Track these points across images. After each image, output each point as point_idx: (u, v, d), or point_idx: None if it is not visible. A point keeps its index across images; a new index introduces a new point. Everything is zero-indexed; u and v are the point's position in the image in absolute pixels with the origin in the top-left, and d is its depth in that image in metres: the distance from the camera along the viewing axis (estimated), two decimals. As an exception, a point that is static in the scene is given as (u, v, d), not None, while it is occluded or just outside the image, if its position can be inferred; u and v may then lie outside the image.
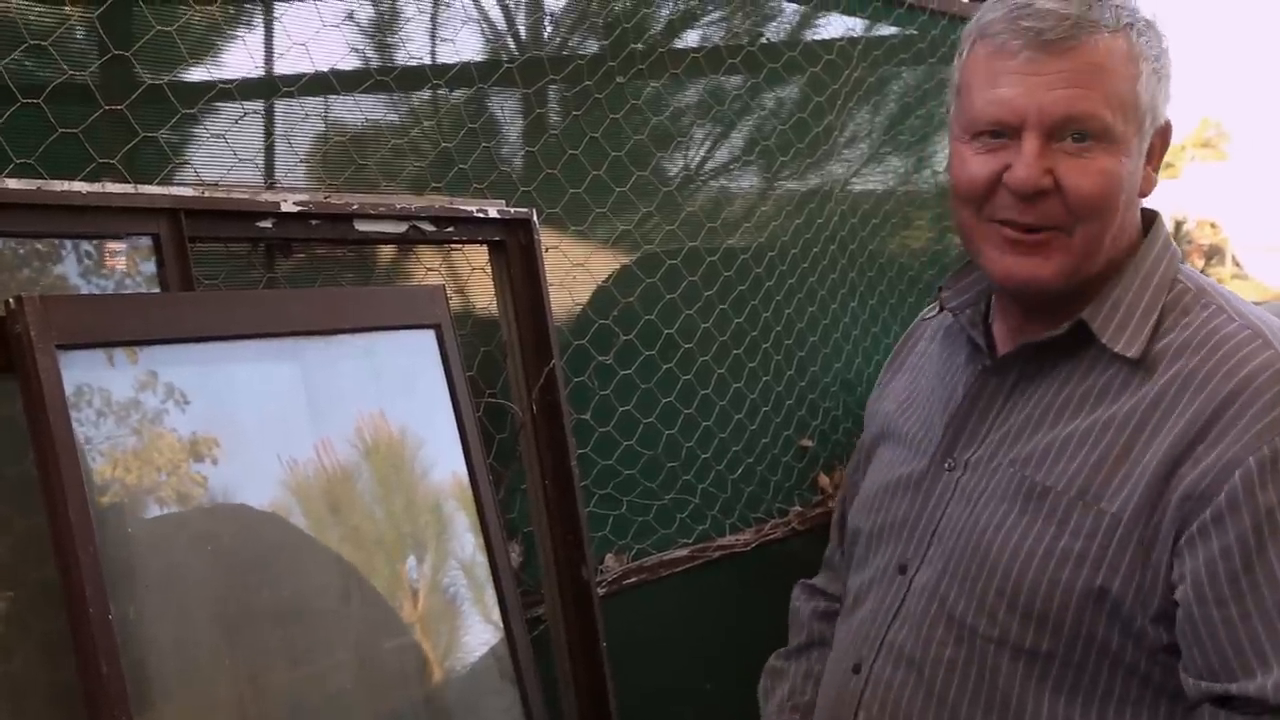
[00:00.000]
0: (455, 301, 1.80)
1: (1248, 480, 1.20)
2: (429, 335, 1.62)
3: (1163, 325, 1.34)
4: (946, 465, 1.45)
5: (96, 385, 1.24)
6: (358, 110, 1.71)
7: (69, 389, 1.19)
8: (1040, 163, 1.29)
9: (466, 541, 1.61)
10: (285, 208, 1.52)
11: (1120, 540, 1.27)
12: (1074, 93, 1.27)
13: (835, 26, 2.53)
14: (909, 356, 1.68)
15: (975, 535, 1.37)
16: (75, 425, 1.19)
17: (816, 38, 2.49)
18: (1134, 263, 1.38)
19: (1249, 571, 1.20)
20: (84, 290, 1.36)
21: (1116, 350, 1.33)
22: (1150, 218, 1.44)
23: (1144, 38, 1.31)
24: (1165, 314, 1.35)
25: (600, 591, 1.91)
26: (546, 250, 1.86)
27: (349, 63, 1.69)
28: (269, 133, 1.61)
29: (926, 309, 1.72)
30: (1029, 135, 1.29)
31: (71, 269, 1.36)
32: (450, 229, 1.73)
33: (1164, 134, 1.38)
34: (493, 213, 1.77)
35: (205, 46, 1.54)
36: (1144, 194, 1.38)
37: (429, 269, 1.78)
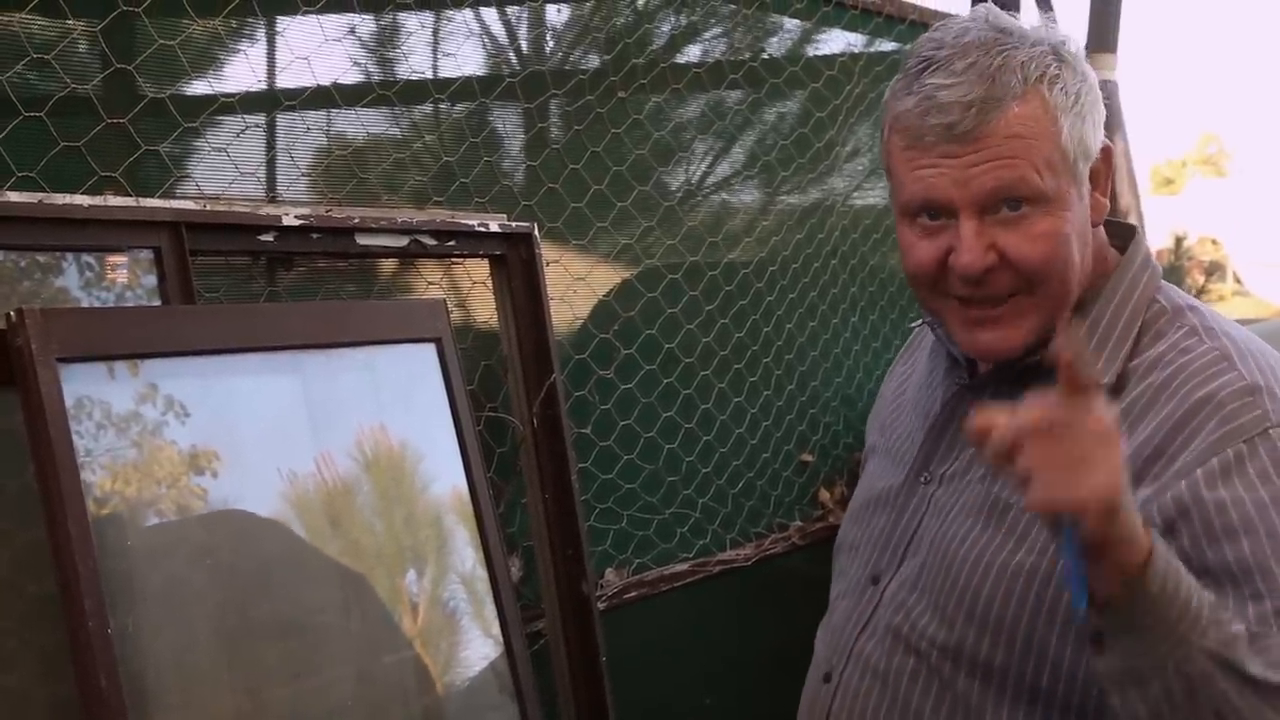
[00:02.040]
0: (456, 315, 1.80)
1: (1194, 488, 1.20)
2: (429, 349, 1.62)
3: (1137, 346, 1.34)
4: (922, 479, 1.46)
5: (97, 398, 1.24)
6: (359, 124, 1.71)
7: (69, 401, 1.19)
8: (980, 242, 1.28)
9: (466, 555, 1.61)
10: (287, 221, 1.52)
11: None
12: (997, 166, 1.26)
13: (836, 42, 2.54)
14: (902, 366, 1.69)
15: (943, 547, 1.39)
16: (75, 438, 1.19)
17: (817, 53, 2.49)
18: (1109, 286, 1.37)
19: (1205, 571, 1.19)
20: (86, 302, 1.36)
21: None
22: (1128, 234, 1.44)
23: (1058, 86, 1.28)
24: (1141, 335, 1.34)
25: (600, 606, 1.90)
26: (547, 264, 1.86)
27: (351, 77, 1.69)
28: (271, 146, 1.61)
29: (911, 319, 1.72)
30: (964, 218, 1.28)
31: (73, 281, 1.36)
32: (451, 243, 1.73)
33: (1105, 158, 1.36)
34: (494, 227, 1.77)
35: (207, 60, 1.55)
36: (1095, 223, 1.37)
37: (430, 282, 1.79)
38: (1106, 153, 1.36)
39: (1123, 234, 1.43)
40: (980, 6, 1.36)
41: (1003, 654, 1.31)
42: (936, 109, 1.26)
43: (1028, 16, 3.03)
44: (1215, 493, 1.20)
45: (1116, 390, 1.31)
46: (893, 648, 1.41)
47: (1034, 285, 1.30)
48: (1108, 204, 1.38)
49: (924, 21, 2.69)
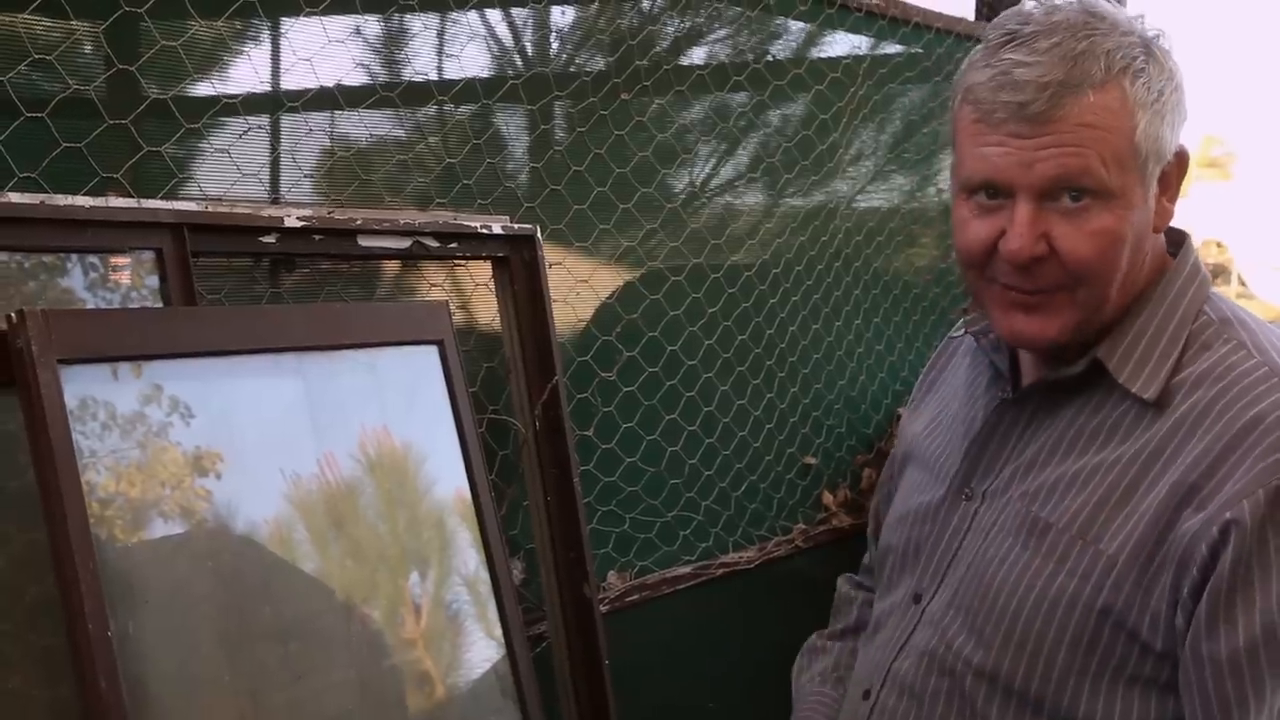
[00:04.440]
0: (458, 317, 1.80)
1: (1241, 526, 1.17)
2: (432, 351, 1.61)
3: (1182, 360, 1.30)
4: (964, 495, 1.43)
5: (101, 398, 1.23)
6: (363, 125, 1.71)
7: (73, 402, 1.19)
8: (1033, 230, 1.25)
9: (470, 557, 1.60)
10: (289, 223, 1.52)
11: (1115, 583, 1.24)
12: (1064, 153, 1.23)
13: (841, 44, 2.53)
14: (940, 375, 1.66)
15: (981, 568, 1.36)
16: (79, 438, 1.19)
17: (822, 55, 2.49)
18: (1157, 293, 1.34)
19: (1239, 614, 1.18)
20: (91, 302, 1.36)
21: (1133, 391, 1.29)
22: (1179, 239, 1.40)
23: (1141, 79, 1.25)
24: (1186, 348, 1.31)
25: (603, 609, 1.90)
26: (550, 266, 1.85)
27: (355, 78, 1.69)
28: (274, 148, 1.60)
29: (955, 327, 1.70)
30: (1021, 201, 1.26)
31: (78, 281, 1.36)
32: (454, 245, 1.73)
33: (1179, 162, 1.32)
34: (496, 229, 1.77)
35: (211, 61, 1.54)
36: (1158, 229, 1.34)
37: (433, 284, 1.78)
38: (1181, 157, 1.32)
39: (1174, 239, 1.40)
40: None
41: (1038, 682, 1.28)
42: (1011, 85, 1.23)
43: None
44: (1262, 531, 1.16)
45: (1160, 405, 1.28)
46: (928, 668, 1.38)
47: (1077, 284, 1.28)
48: (1174, 211, 1.34)
49: (928, 24, 2.68)
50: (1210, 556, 1.18)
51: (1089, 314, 1.30)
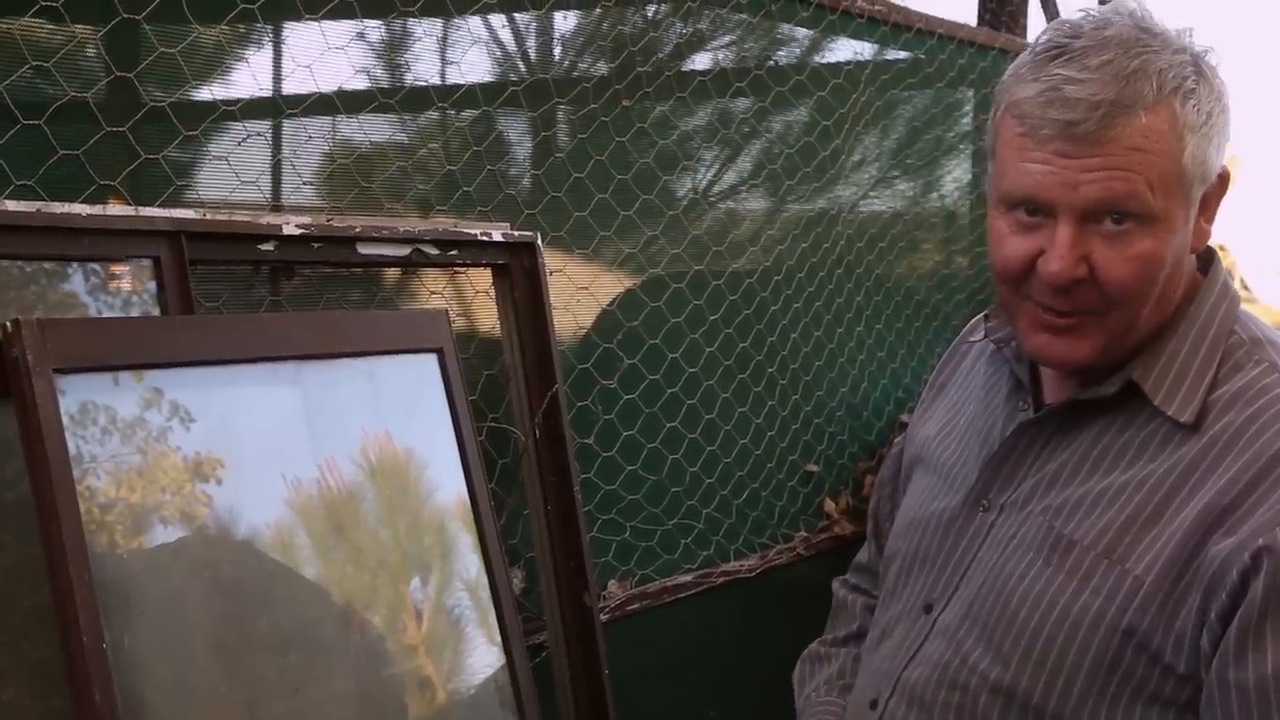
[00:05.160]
0: (458, 324, 1.79)
1: (1274, 554, 1.16)
2: (431, 359, 1.61)
3: (1216, 379, 1.28)
4: (981, 506, 1.41)
5: (102, 403, 1.23)
6: (363, 132, 1.70)
7: (73, 407, 1.19)
8: (1073, 253, 1.23)
9: (471, 563, 1.60)
10: (287, 230, 1.51)
11: (1141, 604, 1.23)
12: (1111, 177, 1.20)
13: (843, 50, 2.53)
14: (951, 378, 1.64)
15: (999, 583, 1.34)
16: (80, 443, 1.18)
17: (824, 61, 2.48)
18: (1190, 313, 1.32)
19: (1268, 643, 1.16)
20: (91, 305, 1.36)
21: (1169, 413, 1.28)
22: (1209, 256, 1.38)
23: (1191, 101, 1.21)
24: (1220, 367, 1.29)
25: (603, 618, 1.89)
26: (551, 273, 1.85)
27: (355, 84, 1.68)
28: (273, 154, 1.60)
29: (969, 331, 1.68)
30: (1062, 222, 1.23)
31: (79, 285, 1.35)
32: (454, 252, 1.72)
33: (1220, 183, 1.30)
34: (497, 236, 1.76)
35: (210, 67, 1.53)
36: (1195, 250, 1.32)
37: (432, 291, 1.77)
38: (1223, 178, 1.29)
39: (1203, 256, 1.38)
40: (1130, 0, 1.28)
41: (1056, 701, 1.27)
42: (1061, 103, 1.20)
43: (1034, 22, 3.03)
44: None
45: (1195, 426, 1.26)
46: (939, 681, 1.37)
47: (1110, 307, 1.26)
48: (1210, 232, 1.32)
49: (931, 30, 2.68)
50: (1241, 583, 1.17)
51: (1118, 337, 1.29)
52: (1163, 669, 1.23)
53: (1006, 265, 1.30)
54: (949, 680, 1.36)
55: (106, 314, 1.37)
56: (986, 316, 1.51)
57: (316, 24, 1.61)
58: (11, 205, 1.27)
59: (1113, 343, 1.29)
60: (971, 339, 1.64)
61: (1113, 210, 1.22)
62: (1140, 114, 1.19)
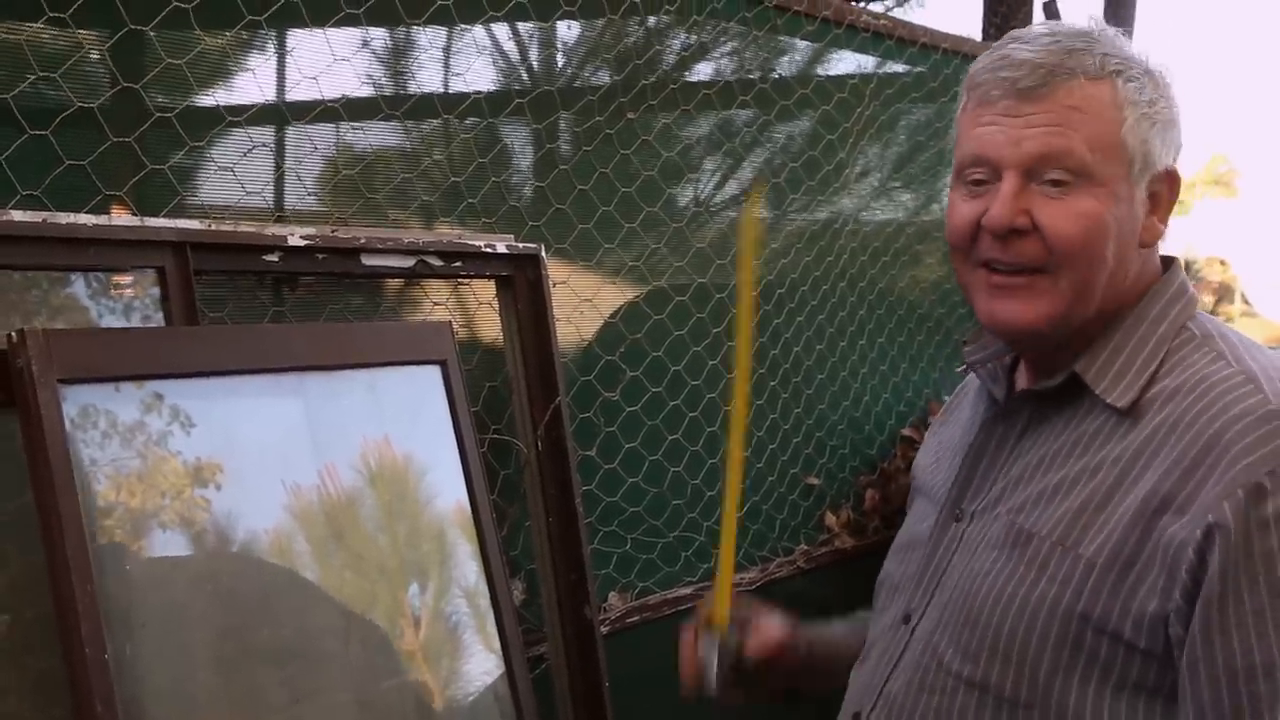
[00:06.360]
0: (461, 335, 1.79)
1: (1224, 529, 1.17)
2: (434, 371, 1.61)
3: (1159, 371, 1.32)
4: (955, 516, 1.45)
5: (102, 407, 1.23)
6: (367, 142, 1.70)
7: (74, 411, 1.19)
8: (1016, 203, 1.28)
9: (469, 570, 1.60)
10: (292, 241, 1.51)
11: (1094, 586, 1.25)
12: (1050, 132, 1.27)
13: (847, 63, 2.53)
14: (953, 411, 1.68)
15: (966, 582, 1.37)
16: (81, 447, 1.18)
17: (828, 74, 2.48)
18: (1139, 309, 1.35)
19: (1233, 624, 1.17)
20: (94, 311, 1.36)
21: (1109, 401, 1.31)
22: (1167, 264, 1.41)
23: (1133, 84, 1.29)
24: (1165, 360, 1.32)
25: (603, 630, 1.89)
26: (555, 285, 1.85)
27: (360, 94, 1.68)
28: (278, 164, 1.60)
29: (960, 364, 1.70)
30: (1006, 176, 1.29)
31: (81, 290, 1.36)
32: (458, 264, 1.72)
33: (1170, 183, 1.34)
34: (500, 248, 1.76)
35: (215, 77, 1.54)
36: (1145, 244, 1.35)
37: (436, 302, 1.77)
38: (1172, 178, 1.35)
39: (1166, 262, 1.41)
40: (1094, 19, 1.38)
41: (1026, 690, 1.28)
42: (1008, 65, 1.29)
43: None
44: (1246, 532, 1.17)
45: (1135, 415, 1.29)
46: (919, 685, 1.39)
47: (1059, 265, 1.29)
48: (1164, 230, 1.37)
49: (934, 45, 2.68)
50: (1198, 560, 1.19)
51: (1069, 305, 1.31)
52: (1126, 648, 1.24)
53: (957, 229, 1.35)
54: (927, 685, 1.38)
55: (109, 319, 1.38)
56: (965, 343, 1.52)
57: (321, 34, 1.61)
58: (17, 215, 1.27)
59: (1066, 311, 1.31)
60: (959, 369, 1.68)
61: (1053, 166, 1.28)
62: (1081, 79, 1.28)
